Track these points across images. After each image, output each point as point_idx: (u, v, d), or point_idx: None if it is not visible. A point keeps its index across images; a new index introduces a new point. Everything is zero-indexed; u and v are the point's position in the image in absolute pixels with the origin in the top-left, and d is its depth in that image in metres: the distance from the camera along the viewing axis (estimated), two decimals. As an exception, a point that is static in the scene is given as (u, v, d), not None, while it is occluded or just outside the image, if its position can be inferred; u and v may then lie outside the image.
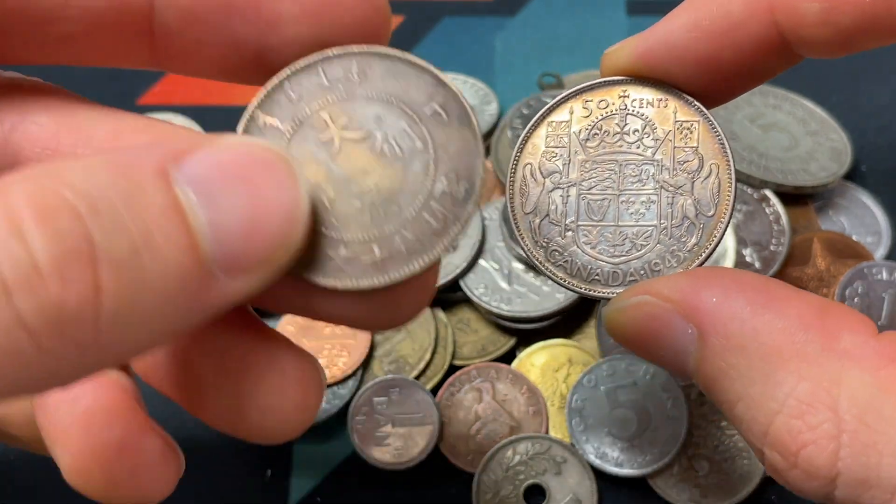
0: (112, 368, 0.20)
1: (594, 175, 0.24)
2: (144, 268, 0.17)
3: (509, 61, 0.45)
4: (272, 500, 0.33)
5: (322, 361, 0.34)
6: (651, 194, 0.23)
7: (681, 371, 0.22)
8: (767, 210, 0.36)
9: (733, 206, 0.23)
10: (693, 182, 0.23)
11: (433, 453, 0.33)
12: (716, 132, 0.23)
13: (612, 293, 0.23)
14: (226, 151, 0.19)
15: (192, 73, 0.23)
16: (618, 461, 0.32)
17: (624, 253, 0.23)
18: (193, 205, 0.18)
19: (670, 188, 0.23)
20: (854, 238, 0.36)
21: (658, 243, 0.23)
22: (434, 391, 0.34)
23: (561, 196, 0.24)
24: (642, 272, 0.23)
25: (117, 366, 0.20)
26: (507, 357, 0.35)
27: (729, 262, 0.35)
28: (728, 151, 0.23)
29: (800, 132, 0.39)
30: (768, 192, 0.36)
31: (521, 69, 0.44)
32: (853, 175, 0.39)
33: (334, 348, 0.34)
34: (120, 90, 0.42)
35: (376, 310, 0.21)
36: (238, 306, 0.20)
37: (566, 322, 0.35)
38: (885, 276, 0.35)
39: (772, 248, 0.36)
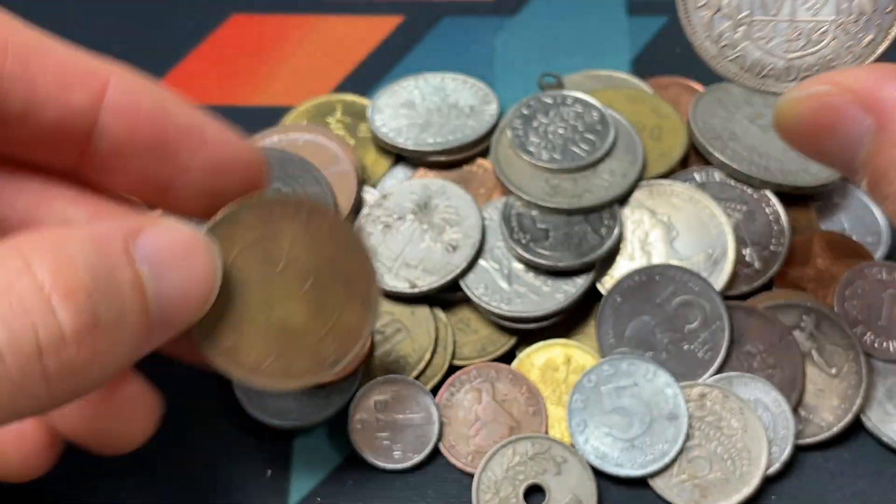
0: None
1: None
2: (120, 327, 0.23)
3: (509, 61, 0.45)
4: (272, 500, 0.33)
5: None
6: None
7: (846, 165, 0.22)
8: (767, 210, 0.36)
9: None
10: None
11: (433, 453, 0.33)
12: None
13: (786, 88, 0.23)
14: (167, 234, 0.25)
15: (105, 184, 0.29)
16: (618, 461, 0.32)
17: (799, 48, 0.23)
18: (148, 279, 0.24)
19: None
20: (854, 238, 0.37)
21: (834, 39, 0.23)
22: (434, 391, 0.34)
23: None
24: (817, 68, 0.23)
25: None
26: (507, 357, 0.35)
27: (728, 263, 0.35)
28: None
29: (800, 132, 0.39)
30: (768, 193, 0.37)
31: (521, 69, 0.44)
32: (852, 175, 0.39)
33: None
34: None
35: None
36: None
37: (566, 322, 0.35)
38: (884, 276, 0.35)
39: (772, 248, 0.36)
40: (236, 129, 0.42)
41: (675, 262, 0.35)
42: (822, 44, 0.23)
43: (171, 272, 0.25)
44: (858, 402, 0.33)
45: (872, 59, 0.23)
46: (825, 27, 0.23)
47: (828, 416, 0.33)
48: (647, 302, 0.34)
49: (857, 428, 0.33)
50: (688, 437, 0.32)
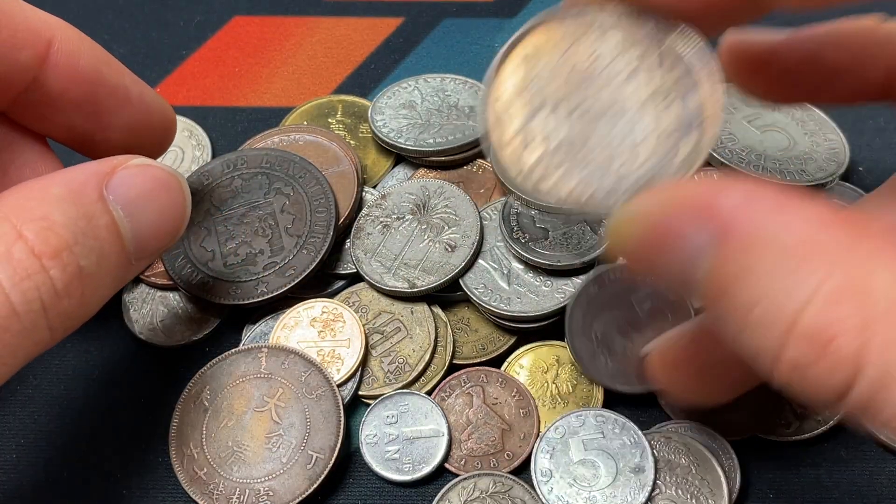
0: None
1: (576, 95, 0.23)
2: (101, 269, 0.27)
3: (509, 63, 0.45)
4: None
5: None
6: (638, 109, 0.23)
7: (687, 282, 0.21)
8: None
9: (722, 111, 0.22)
10: (684, 95, 0.22)
11: (441, 464, 0.33)
12: (702, 46, 0.22)
13: (611, 208, 0.22)
14: (137, 173, 0.28)
15: (29, 127, 0.32)
16: None
17: (616, 170, 0.22)
18: (122, 220, 0.27)
19: (659, 101, 0.22)
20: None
21: (652, 155, 0.22)
22: (434, 391, 0.34)
23: (542, 121, 0.23)
24: (639, 186, 0.22)
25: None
26: (507, 356, 0.35)
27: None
28: (716, 63, 0.22)
29: (797, 132, 0.39)
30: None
31: (520, 71, 0.44)
32: (850, 175, 0.39)
33: (328, 356, 0.34)
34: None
35: None
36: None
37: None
38: None
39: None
40: (236, 128, 0.43)
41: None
42: (637, 163, 0.22)
43: (143, 210, 0.28)
44: None
45: (690, 173, 0.22)
46: (636, 148, 0.22)
47: (825, 413, 0.33)
48: (622, 300, 0.34)
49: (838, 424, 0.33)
50: (653, 489, 0.31)
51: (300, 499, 0.31)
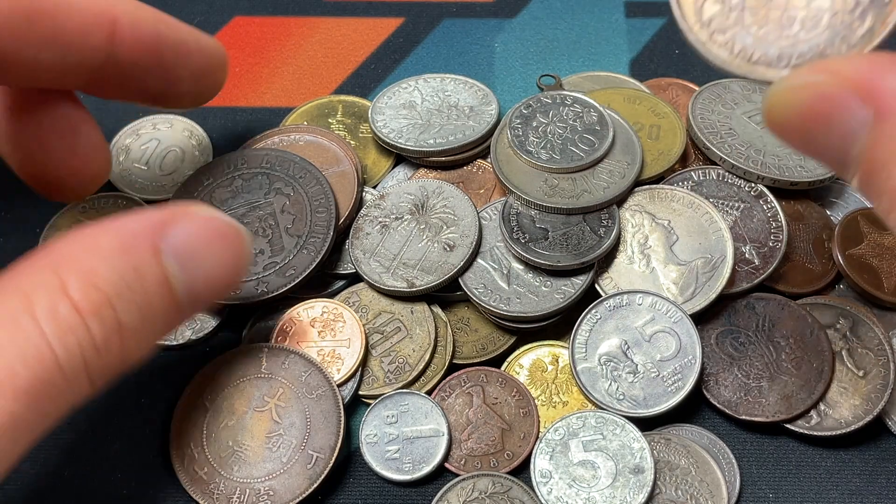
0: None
1: None
2: (145, 321, 0.26)
3: (509, 63, 0.45)
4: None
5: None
6: None
7: (840, 159, 0.21)
8: (765, 207, 0.36)
9: None
10: None
11: (441, 463, 0.33)
12: None
13: (778, 75, 0.22)
14: (197, 225, 0.28)
15: (106, 96, 0.34)
16: None
17: (791, 36, 0.22)
18: (176, 274, 0.27)
19: None
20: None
21: (828, 28, 0.22)
22: (433, 390, 0.34)
23: None
24: (810, 56, 0.22)
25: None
26: (507, 355, 0.35)
27: (727, 268, 0.35)
28: None
29: (798, 130, 0.39)
30: (765, 190, 0.37)
31: (520, 71, 0.44)
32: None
33: (328, 356, 0.34)
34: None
35: None
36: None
37: (566, 322, 0.35)
38: None
39: (770, 244, 0.36)
40: (236, 128, 0.43)
41: (673, 266, 0.35)
42: (816, 32, 0.22)
43: (199, 263, 0.28)
44: (881, 405, 0.33)
45: (869, 49, 0.22)
46: (820, 14, 0.22)
47: (846, 415, 0.33)
48: (625, 325, 0.34)
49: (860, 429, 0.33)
50: (653, 490, 0.31)
51: (300, 498, 0.31)
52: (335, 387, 0.33)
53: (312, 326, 0.35)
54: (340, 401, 0.33)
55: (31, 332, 0.24)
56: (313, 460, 0.32)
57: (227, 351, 0.34)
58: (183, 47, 0.33)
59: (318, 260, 0.35)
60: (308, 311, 0.35)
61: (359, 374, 0.34)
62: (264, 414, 0.33)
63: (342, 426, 0.32)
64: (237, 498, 0.31)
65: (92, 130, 0.34)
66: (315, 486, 0.31)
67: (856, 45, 0.22)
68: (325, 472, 0.32)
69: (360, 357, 0.34)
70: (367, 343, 0.35)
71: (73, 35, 0.30)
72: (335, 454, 0.32)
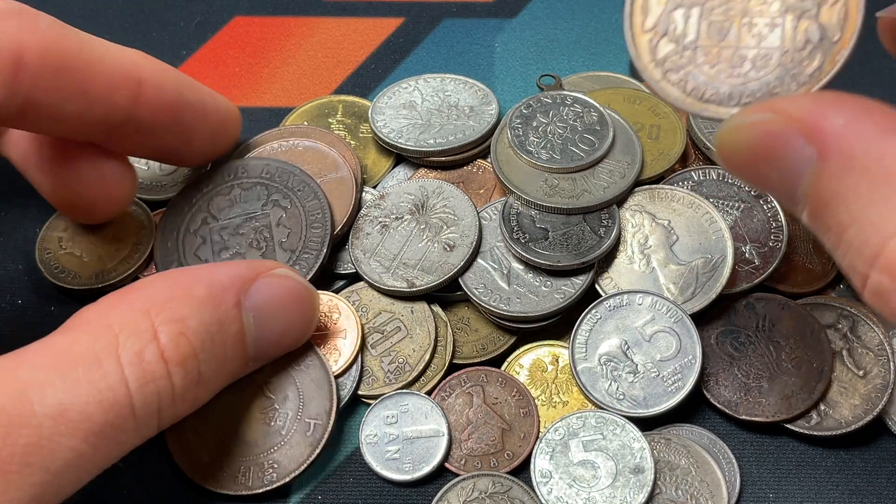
0: None
1: None
2: (219, 374, 0.28)
3: (509, 63, 0.45)
4: (272, 499, 0.33)
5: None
6: (775, 17, 0.23)
7: (788, 195, 0.22)
8: (765, 207, 0.36)
9: (859, 34, 0.22)
10: (819, 7, 0.23)
11: (442, 463, 0.33)
12: None
13: (728, 113, 0.22)
14: (277, 284, 0.29)
15: (121, 151, 0.34)
16: None
17: (742, 74, 0.23)
18: (250, 327, 0.28)
19: (796, 11, 0.23)
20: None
21: (778, 66, 0.23)
22: (433, 390, 0.34)
23: (683, 15, 0.24)
24: (760, 94, 0.23)
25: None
26: (507, 355, 0.35)
27: (727, 268, 0.35)
28: None
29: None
30: (765, 189, 0.37)
31: (520, 71, 0.44)
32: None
33: (325, 347, 0.34)
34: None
35: None
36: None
37: (566, 322, 0.35)
38: None
39: (770, 244, 0.36)
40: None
41: (673, 266, 0.35)
42: (766, 70, 0.23)
43: (272, 320, 0.29)
44: (881, 405, 0.33)
45: (817, 87, 0.23)
46: (770, 53, 0.23)
47: (846, 415, 0.33)
48: (625, 325, 0.34)
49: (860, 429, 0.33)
50: (653, 490, 0.31)
51: (305, 465, 0.32)
52: (320, 354, 0.33)
53: None
54: (328, 367, 0.33)
55: (112, 376, 0.24)
56: (311, 427, 0.32)
57: None
58: (200, 108, 0.34)
59: (309, 277, 0.35)
60: None
61: (356, 365, 0.34)
62: (256, 391, 0.33)
63: (335, 389, 0.33)
64: (242, 475, 0.32)
65: (119, 156, 0.35)
66: (318, 451, 0.32)
67: (805, 83, 0.23)
68: (326, 437, 0.32)
69: (357, 347, 0.34)
70: (363, 335, 0.35)
71: (99, 92, 0.30)
72: (332, 418, 0.32)
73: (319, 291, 0.36)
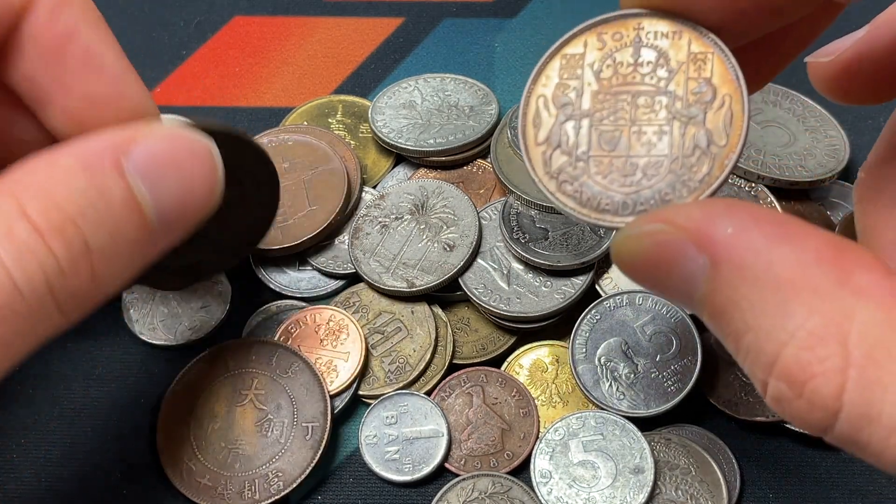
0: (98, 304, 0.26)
1: (607, 106, 0.24)
2: (116, 244, 0.25)
3: (509, 63, 0.45)
4: (273, 499, 0.33)
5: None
6: (663, 125, 0.23)
7: (686, 301, 0.22)
8: (765, 207, 0.36)
9: (746, 136, 0.23)
10: (705, 112, 0.23)
11: (441, 464, 0.33)
12: (730, 64, 0.23)
13: (623, 222, 0.23)
14: (161, 141, 0.26)
15: None
16: None
17: (635, 183, 0.23)
18: (142, 192, 0.25)
19: (683, 118, 0.23)
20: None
21: (669, 173, 0.23)
22: (433, 390, 0.34)
23: (573, 127, 0.24)
24: (653, 202, 0.23)
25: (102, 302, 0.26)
26: (507, 356, 0.35)
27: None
28: (741, 83, 0.23)
29: (798, 128, 0.39)
30: (765, 189, 0.37)
31: (520, 70, 0.44)
32: (849, 174, 0.39)
33: (325, 366, 0.34)
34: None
35: None
36: None
37: (566, 322, 0.35)
38: None
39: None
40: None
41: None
42: (658, 178, 0.23)
43: (167, 181, 0.26)
44: None
45: (707, 192, 0.23)
46: (661, 161, 0.23)
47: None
48: (625, 325, 0.34)
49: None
50: (653, 490, 0.31)
51: (310, 469, 0.32)
52: (306, 358, 0.34)
53: (317, 332, 0.35)
54: (316, 370, 0.33)
55: None
56: (310, 431, 0.32)
57: (189, 364, 0.34)
58: (94, 59, 0.29)
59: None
60: (316, 316, 0.35)
61: (349, 390, 0.34)
62: (247, 406, 0.33)
63: (326, 391, 0.33)
64: (248, 490, 0.32)
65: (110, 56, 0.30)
66: (320, 453, 0.32)
67: (696, 189, 0.23)
68: (326, 438, 0.32)
69: (356, 372, 0.34)
70: (366, 358, 0.35)
71: None
72: (328, 419, 0.32)
73: (332, 308, 0.36)
